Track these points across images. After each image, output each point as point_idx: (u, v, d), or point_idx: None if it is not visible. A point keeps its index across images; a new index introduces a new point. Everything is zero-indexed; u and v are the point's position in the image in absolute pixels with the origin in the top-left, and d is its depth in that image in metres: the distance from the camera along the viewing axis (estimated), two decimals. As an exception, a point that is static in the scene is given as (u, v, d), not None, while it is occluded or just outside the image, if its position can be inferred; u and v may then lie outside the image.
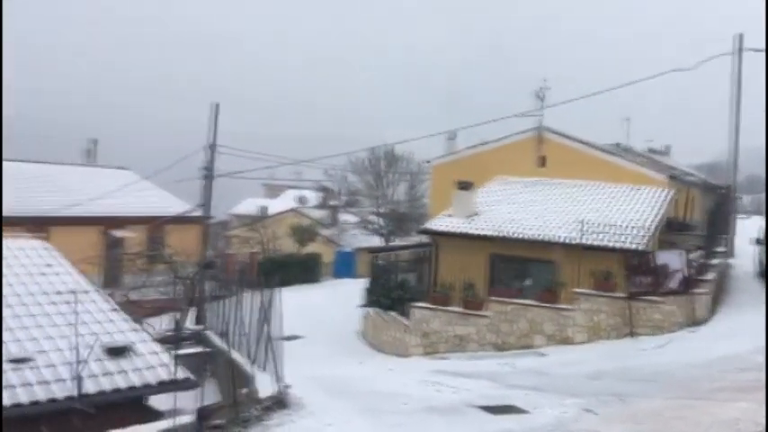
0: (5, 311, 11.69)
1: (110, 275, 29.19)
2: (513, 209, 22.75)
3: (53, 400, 10.09)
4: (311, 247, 42.81)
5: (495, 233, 20.95)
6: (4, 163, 31.72)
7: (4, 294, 12.19)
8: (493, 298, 19.65)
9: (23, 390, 10.04)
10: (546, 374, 14.42)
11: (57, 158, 36.09)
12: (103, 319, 12.50)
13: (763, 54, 23.98)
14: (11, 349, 10.72)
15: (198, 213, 27.20)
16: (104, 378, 10.88)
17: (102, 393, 10.60)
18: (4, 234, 14.72)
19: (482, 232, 21.24)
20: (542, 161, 26.65)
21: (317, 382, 13.40)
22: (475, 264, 21.11)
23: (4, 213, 26.07)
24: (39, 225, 24.42)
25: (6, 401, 9.75)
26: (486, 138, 28.02)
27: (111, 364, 11.19)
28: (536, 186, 25.02)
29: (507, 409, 10.63)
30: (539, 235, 20.56)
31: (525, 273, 21.02)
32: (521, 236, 20.67)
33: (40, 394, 10.08)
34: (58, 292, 12.74)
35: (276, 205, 58.38)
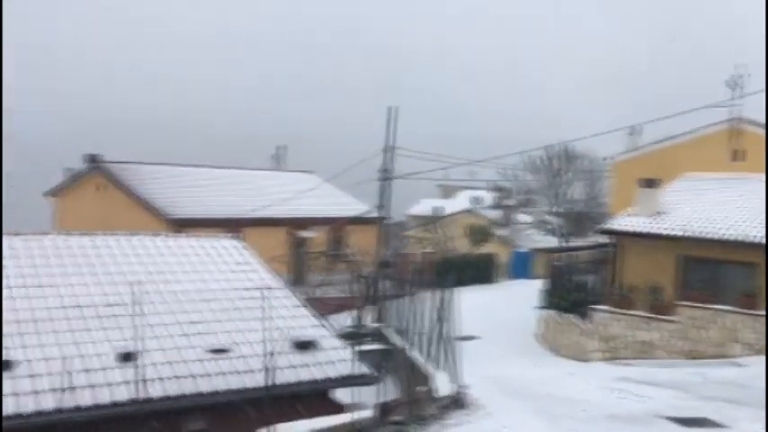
0: (205, 305, 12.73)
1: (295, 273, 30.90)
2: (704, 207, 21.12)
3: (246, 390, 10.83)
4: (486, 248, 42.58)
5: (685, 233, 19.56)
6: (210, 170, 34.73)
7: (205, 289, 13.27)
8: (683, 302, 18.37)
9: (221, 378, 10.87)
10: (744, 387, 13.24)
11: (251, 164, 38.84)
12: (289, 314, 13.23)
13: None
14: (210, 341, 11.65)
15: (376, 214, 28.01)
16: (291, 370, 11.51)
17: (289, 385, 11.22)
18: (207, 233, 16.07)
19: (670, 232, 19.92)
20: (738, 155, 24.49)
21: (494, 384, 13.27)
22: (661, 265, 19.86)
23: (208, 215, 28.52)
24: (235, 226, 26.40)
25: (205, 388, 10.61)
26: (672, 132, 26.30)
27: (297, 358, 11.82)
28: (730, 183, 23.04)
29: (700, 422, 9.87)
30: (735, 235, 18.92)
31: (718, 276, 19.43)
32: (714, 236, 19.13)
33: (235, 383, 10.86)
34: (249, 289, 13.66)
35: (451, 206, 58.74)
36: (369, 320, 22.11)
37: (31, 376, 9.85)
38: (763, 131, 24.16)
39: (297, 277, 30.49)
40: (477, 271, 37.38)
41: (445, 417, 10.12)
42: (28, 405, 9.38)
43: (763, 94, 21.92)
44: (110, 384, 10.14)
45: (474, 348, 19.59)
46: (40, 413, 9.35)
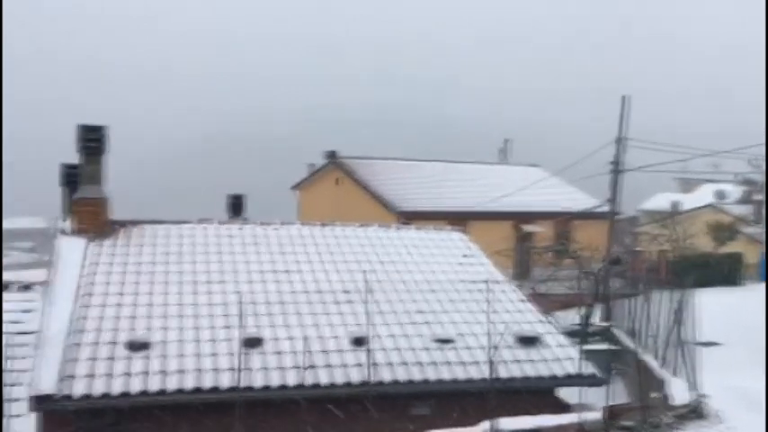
0: (432, 296, 13.11)
1: (520, 268, 30.63)
2: None
3: (470, 380, 10.99)
4: (731, 247, 38.81)
5: None
6: (438, 164, 35.66)
7: (432, 280, 13.67)
8: None
9: (446, 368, 11.14)
10: None
11: (476, 157, 39.20)
12: (514, 308, 13.17)
13: None
14: (436, 330, 11.99)
15: (605, 209, 26.82)
16: (514, 365, 11.46)
17: (512, 379, 11.19)
18: (433, 226, 16.53)
19: None
20: None
21: (738, 396, 12.11)
22: None
23: (435, 208, 29.30)
24: (459, 219, 26.83)
25: (431, 376, 10.93)
26: None
27: (520, 353, 11.74)
28: None
29: None
30: None
31: None
32: None
33: (460, 374, 11.07)
34: (474, 281, 13.81)
35: (690, 200, 54.36)
36: (597, 319, 21.31)
37: (278, 353, 10.85)
38: None
39: (521, 272, 30.21)
40: (721, 272, 34.24)
41: (680, 427, 9.46)
42: (274, 379, 10.34)
43: None
44: (344, 366, 10.84)
45: (715, 355, 17.98)
46: (284, 387, 10.27)
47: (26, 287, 13.95)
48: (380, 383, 10.65)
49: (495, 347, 10.94)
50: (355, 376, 10.65)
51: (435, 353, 11.43)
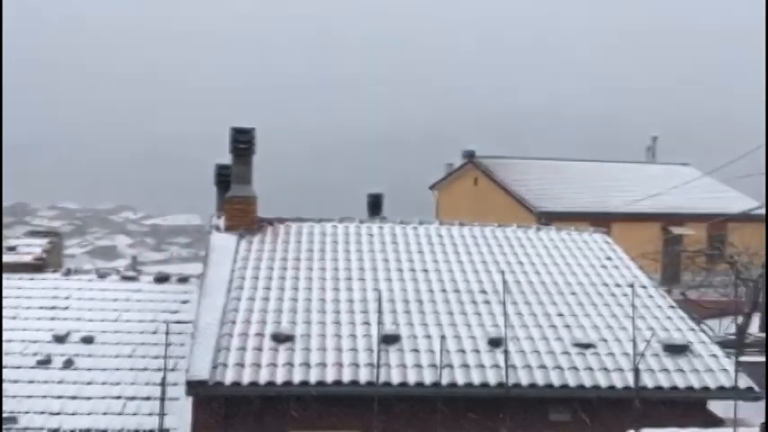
0: (572, 298, 12.74)
1: (668, 272, 29.06)
2: None
3: (612, 388, 10.58)
4: None
5: None
6: (579, 164, 34.65)
7: (573, 282, 13.29)
8: None
9: (587, 373, 10.79)
10: None
11: (621, 157, 37.63)
12: (661, 315, 12.53)
13: None
14: (576, 335, 11.64)
15: (764, 211, 24.84)
16: (661, 374, 10.90)
17: (659, 389, 10.65)
18: (574, 227, 16.07)
19: None
20: None
21: None
22: None
23: (575, 209, 28.45)
24: (602, 220, 25.85)
25: (571, 381, 10.63)
26: None
27: (668, 361, 11.14)
28: None
29: None
30: None
31: None
32: None
33: (601, 380, 10.68)
34: (617, 285, 13.27)
35: None
36: (754, 329, 19.81)
37: (415, 351, 10.96)
38: None
39: (669, 276, 28.65)
40: None
41: None
42: (410, 377, 10.46)
43: None
44: (480, 366, 10.77)
45: None
46: (420, 384, 10.37)
47: (183, 280, 14.98)
48: (518, 386, 10.49)
49: (641, 355, 10.46)
50: (492, 378, 10.56)
51: (576, 357, 11.09)
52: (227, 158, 15.03)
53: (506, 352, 10.63)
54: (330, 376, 10.30)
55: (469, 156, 34.50)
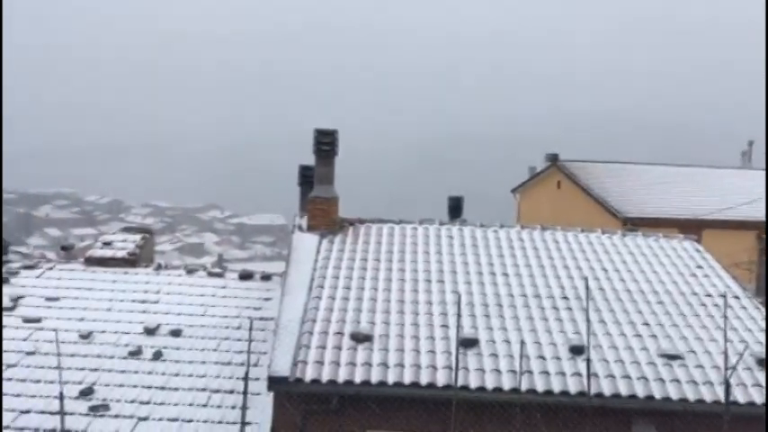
0: (659, 307, 12.32)
1: (764, 283, 27.64)
2: None
3: (701, 402, 10.17)
4: None
5: None
6: (668, 168, 33.52)
7: (660, 291, 12.85)
8: None
9: (674, 386, 10.40)
10: None
11: (716, 162, 36.12)
12: (754, 327, 11.95)
13: None
14: (663, 345, 11.24)
15: None
16: (754, 389, 10.40)
17: (751, 404, 10.16)
18: (661, 233, 15.55)
19: None
20: None
21: None
22: None
23: (663, 215, 27.52)
24: (692, 226, 24.87)
25: (656, 393, 10.26)
26: None
27: (761, 376, 10.61)
28: None
29: None
30: None
31: None
32: None
33: (689, 393, 10.27)
34: (708, 295, 12.75)
35: None
36: None
37: (493, 355, 10.85)
38: None
39: (765, 287, 27.25)
40: None
41: None
42: (489, 381, 10.36)
43: None
44: (561, 374, 10.56)
45: None
46: (499, 390, 10.25)
47: (266, 277, 15.36)
48: (600, 395, 10.22)
49: (733, 368, 10.01)
50: (573, 386, 10.33)
51: (662, 369, 10.71)
52: (311, 159, 15.32)
53: (588, 360, 10.37)
54: (408, 377, 10.33)
55: (553, 159, 33.89)
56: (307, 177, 16.01)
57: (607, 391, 10.30)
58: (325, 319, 11.45)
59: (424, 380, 10.29)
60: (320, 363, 10.46)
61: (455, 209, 20.54)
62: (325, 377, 10.25)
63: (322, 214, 14.56)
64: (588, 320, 10.98)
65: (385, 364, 10.53)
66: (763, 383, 10.47)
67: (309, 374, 10.26)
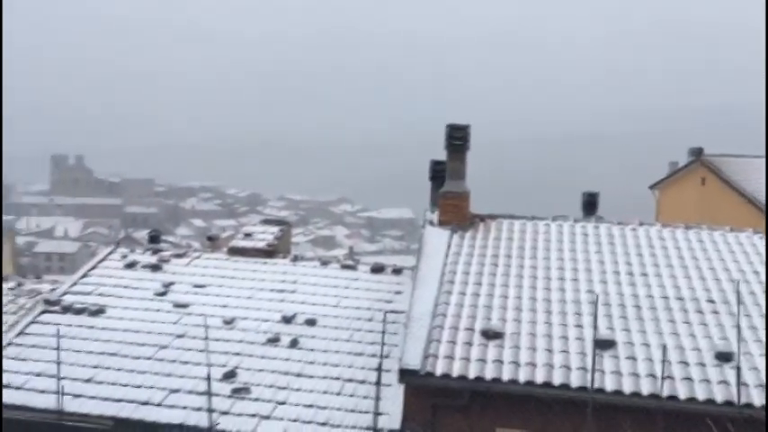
0: None
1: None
2: None
3: None
4: None
5: None
6: None
7: None
8: None
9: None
10: None
11: None
12: None
13: None
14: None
15: None
16: None
17: None
18: None
19: None
20: None
21: None
22: None
23: None
24: None
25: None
26: None
27: None
28: None
29: None
30: None
31: None
32: None
33: None
34: None
35: None
36: None
37: (631, 359, 10.43)
38: None
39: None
40: None
41: None
42: (626, 385, 9.97)
43: None
44: (705, 381, 9.99)
45: None
46: (637, 394, 9.85)
47: (397, 271, 15.57)
48: (749, 406, 9.57)
49: None
50: (719, 395, 9.74)
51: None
52: (441, 155, 15.35)
53: (738, 368, 9.72)
54: (540, 377, 10.14)
55: (697, 153, 31.96)
56: (438, 172, 16.03)
57: (757, 401, 9.64)
58: (456, 315, 11.45)
59: (556, 380, 10.07)
60: (450, 358, 10.48)
61: (590, 205, 19.79)
62: (455, 372, 10.26)
63: (453, 209, 14.54)
64: (738, 326, 10.29)
65: (516, 363, 10.39)
66: None
67: (440, 369, 10.30)
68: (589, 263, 13.05)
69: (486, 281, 12.47)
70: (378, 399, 10.19)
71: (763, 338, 10.79)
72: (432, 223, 14.66)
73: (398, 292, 14.51)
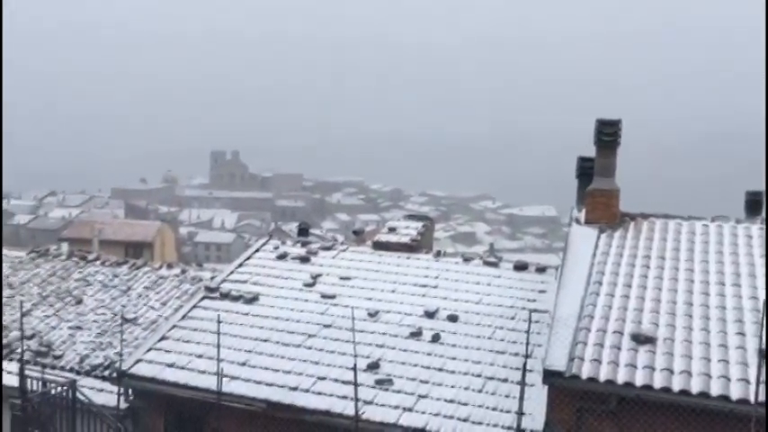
0: None
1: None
2: None
3: None
4: None
5: None
6: None
7: None
8: None
9: None
10: None
11: None
12: None
13: None
14: None
15: None
16: None
17: None
18: None
19: None
20: None
21: None
22: None
23: None
24: None
25: None
26: None
27: None
28: None
29: None
30: None
31: None
32: None
33: None
34: None
35: None
36: None
37: None
38: None
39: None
40: None
41: None
42: None
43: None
44: None
45: None
46: None
47: (541, 269, 15.26)
48: None
49: None
50: None
51: None
52: (585, 151, 14.88)
53: None
54: (696, 386, 9.57)
55: None
56: (585, 169, 15.51)
57: None
58: (604, 317, 11.05)
59: (714, 391, 9.46)
60: (597, 361, 10.14)
61: (754, 205, 18.36)
62: (602, 376, 9.92)
63: (602, 207, 14.01)
64: None
65: (669, 370, 9.86)
66: None
67: (586, 372, 9.99)
68: (753, 267, 12.13)
69: (636, 283, 11.94)
70: (522, 399, 10.04)
71: None
72: (578, 222, 14.22)
73: (542, 291, 14.23)
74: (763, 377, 9.27)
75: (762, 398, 9.06)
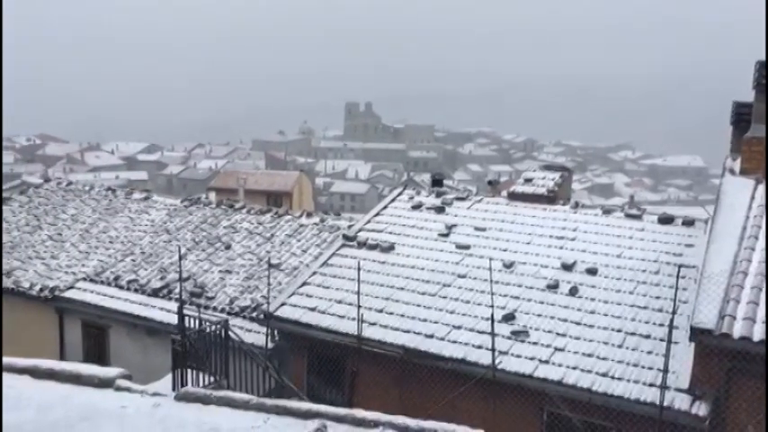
0: None
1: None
2: None
3: None
4: None
5: None
6: None
7: None
8: None
9: None
10: None
11: None
12: None
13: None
14: None
15: None
16: None
17: None
18: None
19: None
20: None
21: None
22: None
23: None
24: None
25: None
26: None
27: None
28: None
29: None
30: None
31: None
32: None
33: None
34: None
35: None
36: None
37: None
38: None
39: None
40: None
41: None
42: None
43: None
44: None
45: None
46: None
47: (688, 223, 14.47)
48: None
49: None
50: None
51: None
52: (742, 96, 13.78)
53: None
54: None
55: None
56: (742, 116, 14.39)
57: None
58: (759, 273, 10.34)
59: None
60: (751, 320, 9.56)
61: None
62: (756, 335, 9.35)
63: (759, 157, 12.99)
64: None
65: (834, 332, 9.14)
66: None
67: (738, 330, 9.46)
68: None
69: (797, 238, 11.04)
70: (668, 356, 9.67)
71: None
72: (732, 172, 13.31)
73: (689, 245, 13.53)
74: None
75: None
